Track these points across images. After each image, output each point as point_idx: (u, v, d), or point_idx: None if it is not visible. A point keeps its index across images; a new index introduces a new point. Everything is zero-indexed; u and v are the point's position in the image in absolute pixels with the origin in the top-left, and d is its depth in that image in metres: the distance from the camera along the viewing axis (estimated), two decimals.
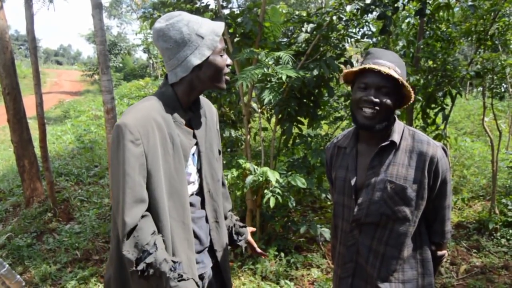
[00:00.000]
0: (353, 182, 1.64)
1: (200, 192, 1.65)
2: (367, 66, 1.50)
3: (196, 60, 1.45)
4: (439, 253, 1.70)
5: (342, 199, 1.69)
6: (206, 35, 1.46)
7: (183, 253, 1.51)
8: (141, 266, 1.35)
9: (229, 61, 1.54)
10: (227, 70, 1.55)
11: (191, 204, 1.60)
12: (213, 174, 1.68)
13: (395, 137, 1.56)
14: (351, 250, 1.67)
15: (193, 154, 1.60)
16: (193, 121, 1.60)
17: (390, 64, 1.51)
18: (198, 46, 1.45)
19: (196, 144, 1.60)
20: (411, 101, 1.57)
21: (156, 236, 1.41)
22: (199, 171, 1.63)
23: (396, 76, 1.47)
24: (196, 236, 1.61)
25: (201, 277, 1.66)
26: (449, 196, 1.61)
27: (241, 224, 1.96)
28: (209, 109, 1.72)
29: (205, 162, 1.64)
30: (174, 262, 1.40)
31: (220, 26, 1.50)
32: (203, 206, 1.66)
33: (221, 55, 1.51)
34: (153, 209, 1.43)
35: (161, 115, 1.46)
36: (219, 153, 1.76)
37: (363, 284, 1.66)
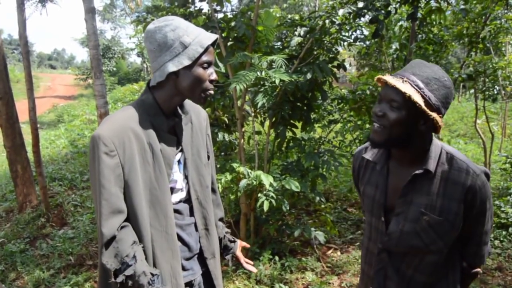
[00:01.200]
0: (382, 203, 1.53)
1: (188, 199, 1.63)
2: (380, 77, 1.39)
3: (172, 67, 1.41)
4: (473, 271, 1.57)
5: (370, 218, 1.59)
6: (190, 45, 1.42)
7: (166, 262, 1.50)
8: (121, 278, 1.36)
9: (213, 76, 1.49)
10: (209, 85, 1.49)
11: (179, 212, 1.58)
12: (201, 181, 1.66)
13: (431, 165, 1.40)
14: (380, 274, 1.57)
15: (178, 161, 1.58)
16: (177, 127, 1.57)
17: (411, 76, 1.35)
18: (178, 53, 1.42)
19: (181, 150, 1.58)
20: (437, 122, 1.36)
21: (136, 247, 1.41)
22: (186, 178, 1.61)
23: (403, 89, 1.30)
24: (184, 243, 1.60)
25: (190, 284, 1.65)
26: (487, 223, 1.47)
27: (231, 238, 1.93)
28: (196, 114, 1.69)
29: (192, 169, 1.61)
30: (152, 274, 1.40)
31: (209, 38, 1.46)
32: (192, 213, 1.64)
33: (204, 68, 1.46)
34: (132, 219, 1.43)
35: (139, 124, 1.44)
36: (208, 159, 1.73)
37: None
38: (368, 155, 1.59)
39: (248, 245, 2.01)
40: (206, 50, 1.45)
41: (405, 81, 1.34)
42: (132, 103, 1.53)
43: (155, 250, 1.48)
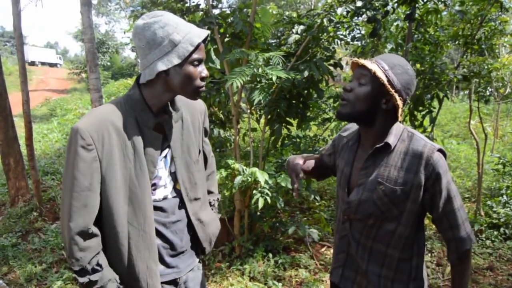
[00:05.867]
0: (347, 175, 1.67)
1: (175, 196, 1.61)
2: (353, 59, 1.56)
3: (161, 65, 1.38)
4: (452, 262, 1.58)
5: (339, 190, 1.73)
6: (179, 43, 1.38)
7: (142, 262, 1.49)
8: (85, 279, 1.39)
9: (204, 73, 1.46)
10: (200, 83, 1.46)
11: (162, 209, 1.57)
12: (191, 178, 1.64)
13: (391, 139, 1.55)
14: (343, 241, 1.70)
15: (165, 157, 1.56)
16: (166, 124, 1.54)
17: (381, 61, 1.52)
18: (168, 52, 1.38)
19: (169, 147, 1.56)
20: (396, 101, 1.51)
21: (99, 256, 1.43)
22: (172, 174, 1.59)
23: (370, 66, 1.47)
24: (167, 241, 1.59)
25: (175, 282, 1.65)
26: (456, 198, 1.52)
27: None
28: (191, 109, 1.67)
29: (181, 166, 1.60)
30: (119, 283, 1.46)
31: (199, 35, 1.42)
32: (179, 210, 1.63)
33: (195, 65, 1.43)
34: (108, 215, 1.42)
35: (122, 119, 1.42)
36: (199, 152, 1.71)
37: (353, 274, 1.69)
38: (346, 135, 1.79)
39: None
40: (196, 47, 1.41)
41: (373, 62, 1.52)
42: (119, 98, 1.50)
43: (131, 248, 1.47)
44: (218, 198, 1.97)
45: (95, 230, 1.41)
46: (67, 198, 1.36)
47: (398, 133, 1.57)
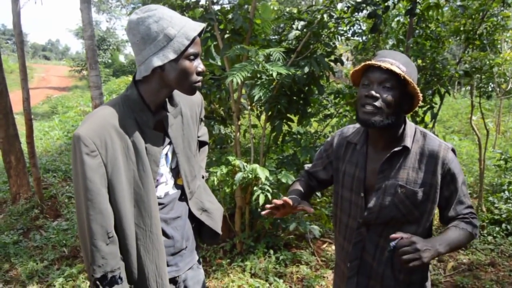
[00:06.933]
0: (361, 180, 1.62)
1: (176, 191, 1.62)
2: (369, 62, 1.48)
3: (157, 61, 1.34)
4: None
5: (350, 195, 1.66)
6: (175, 37, 1.35)
7: (151, 262, 1.50)
8: None
9: (200, 68, 1.42)
10: (196, 77, 1.43)
11: (164, 205, 1.57)
12: (191, 171, 1.64)
13: (408, 142, 1.53)
14: (357, 247, 1.65)
15: (166, 154, 1.55)
16: (166, 121, 1.52)
17: (393, 61, 1.47)
18: (163, 46, 1.34)
19: (170, 143, 1.55)
20: (419, 101, 1.49)
21: (121, 264, 1.44)
22: (173, 170, 1.59)
23: (398, 71, 1.42)
24: (169, 237, 1.59)
25: (174, 280, 1.65)
26: (467, 196, 1.56)
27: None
28: (189, 102, 1.65)
29: (183, 162, 1.59)
30: None
31: (194, 29, 1.38)
32: (180, 205, 1.64)
33: (191, 60, 1.39)
34: (116, 218, 1.41)
35: (123, 122, 1.40)
36: (197, 144, 1.72)
37: (366, 281, 1.66)
38: (350, 137, 1.72)
39: None
40: (192, 41, 1.38)
41: (392, 64, 1.45)
42: (116, 98, 1.48)
43: (140, 249, 1.47)
44: (206, 176, 1.95)
45: (115, 234, 1.40)
46: (83, 208, 1.36)
47: (412, 134, 1.55)
